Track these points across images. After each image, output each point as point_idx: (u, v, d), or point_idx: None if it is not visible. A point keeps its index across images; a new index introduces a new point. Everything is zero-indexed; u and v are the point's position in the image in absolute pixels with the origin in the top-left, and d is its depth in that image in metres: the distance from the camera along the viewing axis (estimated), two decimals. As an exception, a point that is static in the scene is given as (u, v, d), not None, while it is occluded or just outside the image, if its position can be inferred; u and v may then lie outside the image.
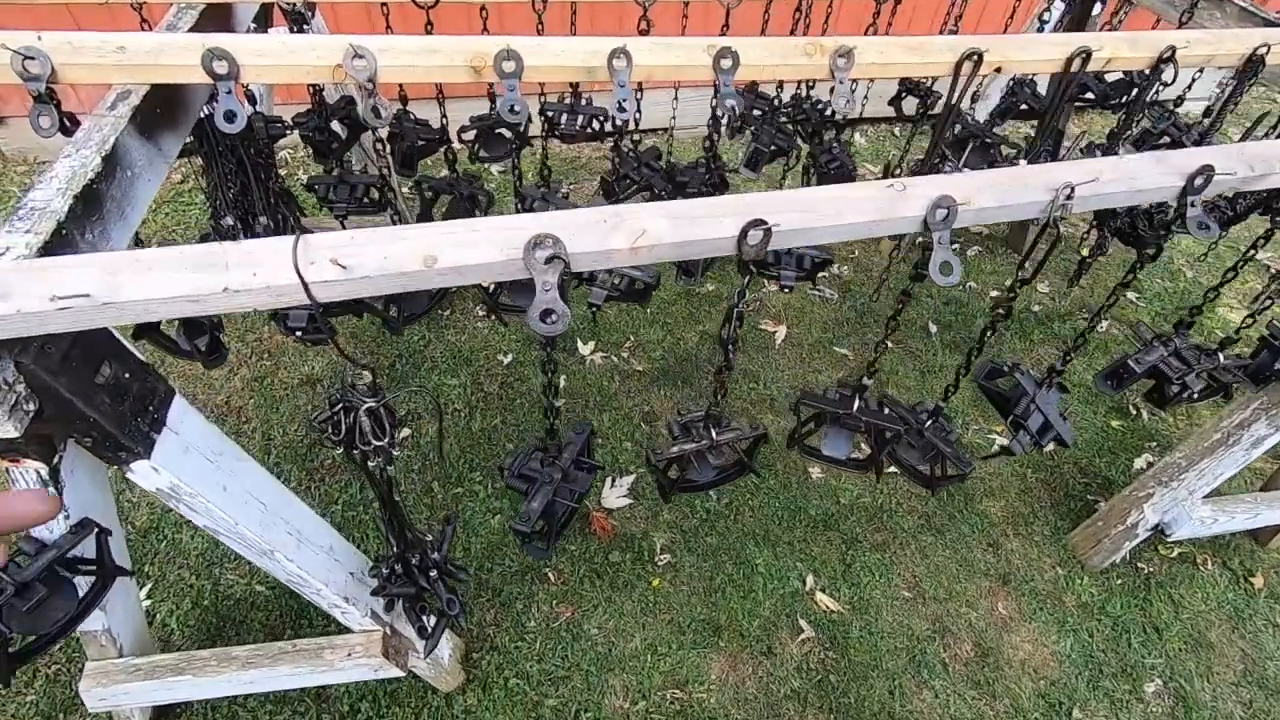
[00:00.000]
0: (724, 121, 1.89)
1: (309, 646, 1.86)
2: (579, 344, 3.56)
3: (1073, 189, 1.39)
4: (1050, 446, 2.02)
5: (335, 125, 2.61)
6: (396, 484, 2.89)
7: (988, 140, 2.81)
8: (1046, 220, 1.42)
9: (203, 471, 1.36)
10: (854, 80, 1.84)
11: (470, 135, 2.49)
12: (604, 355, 3.54)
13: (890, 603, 2.75)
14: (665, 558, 2.79)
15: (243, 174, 2.12)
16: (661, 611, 2.65)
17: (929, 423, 1.88)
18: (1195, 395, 2.05)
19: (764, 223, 1.22)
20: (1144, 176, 1.48)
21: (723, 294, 3.94)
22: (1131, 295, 4.30)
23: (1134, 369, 1.98)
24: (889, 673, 2.56)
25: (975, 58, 1.85)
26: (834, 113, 2.77)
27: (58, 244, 1.15)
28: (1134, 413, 3.58)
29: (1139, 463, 3.35)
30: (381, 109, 1.62)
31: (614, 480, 3.00)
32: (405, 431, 3.08)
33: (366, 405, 1.26)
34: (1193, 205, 1.55)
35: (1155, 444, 3.45)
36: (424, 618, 1.88)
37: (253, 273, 1.02)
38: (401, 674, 1.97)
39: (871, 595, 2.76)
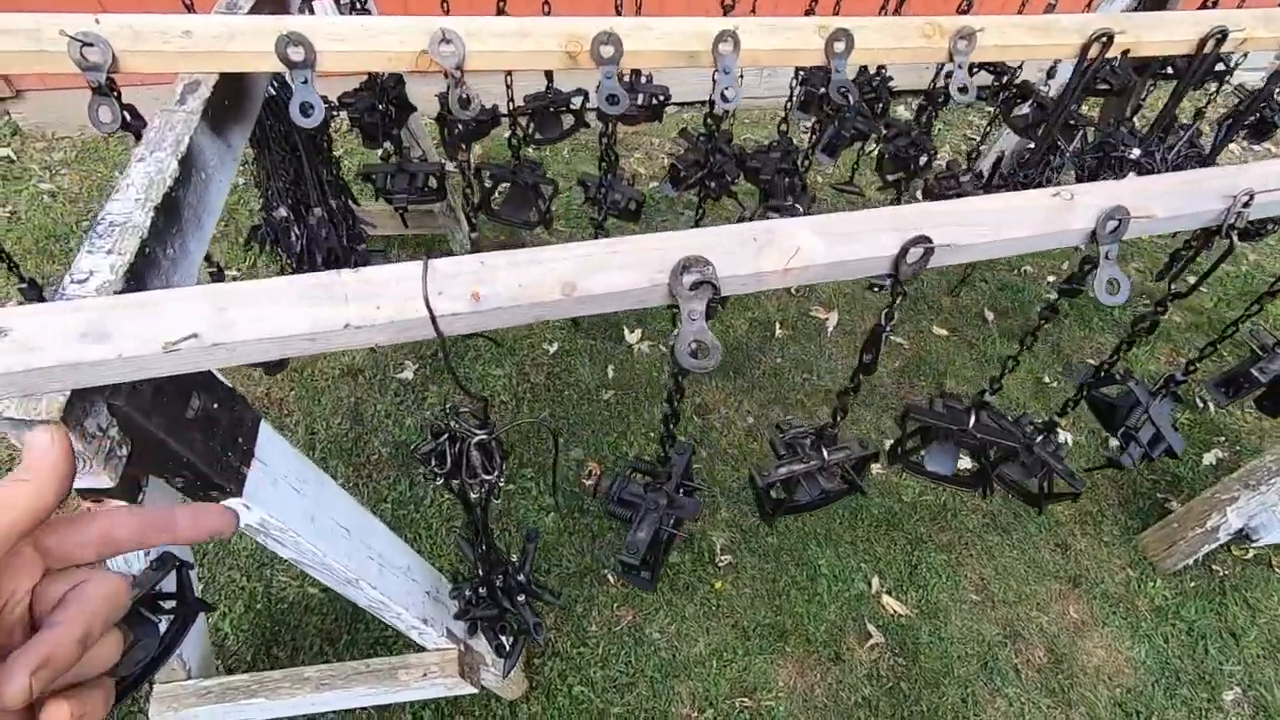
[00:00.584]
0: (843, 105, 1.72)
1: (383, 667, 1.78)
2: (625, 331, 3.44)
3: (1252, 196, 1.25)
4: (1158, 458, 1.91)
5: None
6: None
7: (1071, 123, 2.64)
8: (1220, 231, 1.28)
9: (290, 503, 1.26)
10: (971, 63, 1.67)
11: (524, 117, 2.34)
12: (651, 343, 3.41)
13: (958, 606, 2.67)
14: (726, 558, 2.71)
15: (296, 162, 1.98)
16: (725, 615, 2.57)
17: (1040, 438, 1.77)
18: (1314, 405, 1.93)
19: (927, 240, 1.09)
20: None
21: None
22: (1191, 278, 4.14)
23: (1258, 379, 1.85)
24: (961, 680, 2.48)
25: (1105, 39, 1.68)
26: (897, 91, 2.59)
27: (142, 264, 1.03)
28: (1200, 405, 3.45)
29: (1208, 459, 3.23)
30: (470, 98, 1.48)
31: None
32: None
33: (478, 438, 1.15)
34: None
35: (1224, 439, 3.33)
36: (502, 636, 1.79)
37: (376, 305, 0.90)
38: (474, 690, 1.90)
39: (939, 598, 2.68)
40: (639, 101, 2.48)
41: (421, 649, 1.81)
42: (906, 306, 3.73)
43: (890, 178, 2.71)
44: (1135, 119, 2.75)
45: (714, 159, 2.33)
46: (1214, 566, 2.85)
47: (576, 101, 2.52)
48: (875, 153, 2.68)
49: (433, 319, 0.92)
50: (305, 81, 1.34)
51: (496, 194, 2.38)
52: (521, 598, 1.62)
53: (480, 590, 1.62)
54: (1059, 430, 3.16)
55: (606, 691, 2.35)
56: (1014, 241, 1.15)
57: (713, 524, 2.80)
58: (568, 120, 2.59)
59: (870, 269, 1.11)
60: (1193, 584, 2.80)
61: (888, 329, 1.27)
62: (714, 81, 1.57)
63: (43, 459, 0.47)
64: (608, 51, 1.46)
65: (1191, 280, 2.25)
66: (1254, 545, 2.66)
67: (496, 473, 1.19)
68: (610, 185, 2.28)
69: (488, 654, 1.90)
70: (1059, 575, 2.79)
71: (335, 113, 2.35)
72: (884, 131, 2.66)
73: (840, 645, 2.53)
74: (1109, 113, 3.61)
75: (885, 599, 2.65)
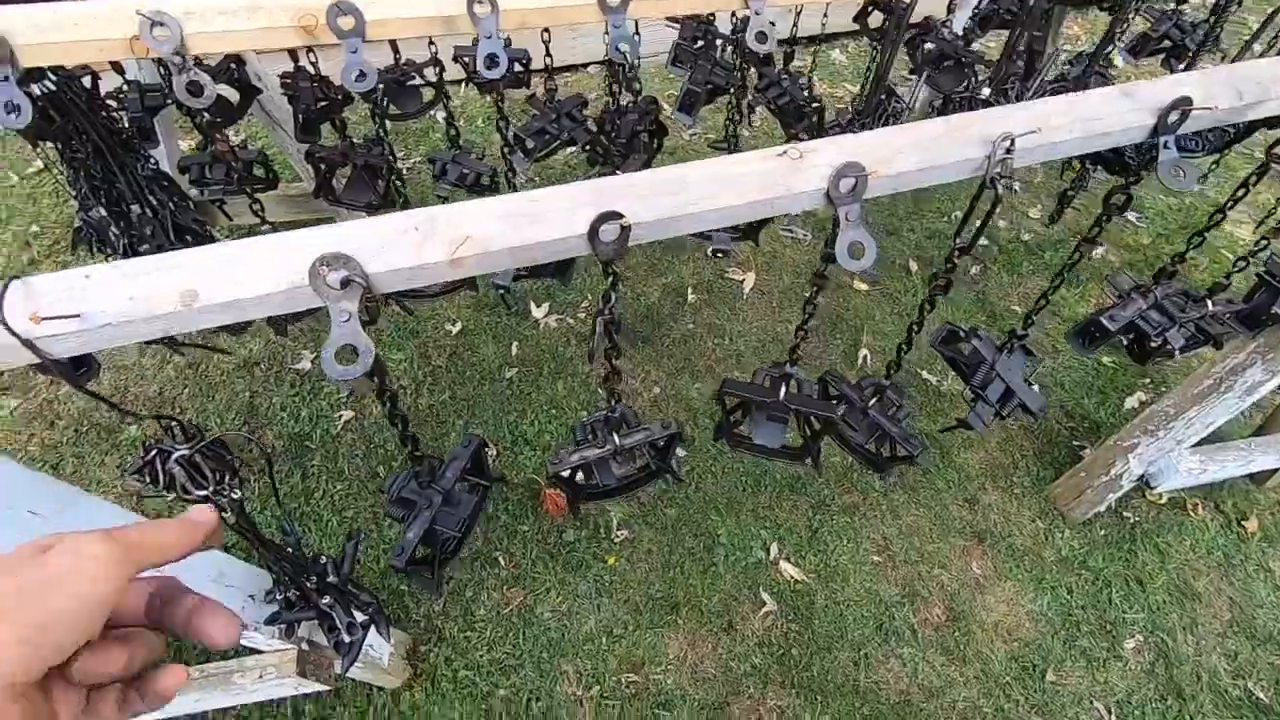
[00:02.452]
0: (624, 67, 1.62)
1: (217, 672, 1.77)
2: (532, 306, 3.36)
3: (1013, 141, 1.14)
4: (1010, 415, 1.83)
5: (222, 89, 2.34)
6: (341, 471, 2.77)
7: (962, 59, 2.49)
8: (984, 180, 1.18)
9: (14, 529, 1.21)
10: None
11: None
12: (559, 317, 3.34)
13: (858, 568, 2.63)
14: (623, 534, 2.68)
15: (102, 160, 1.89)
16: (618, 591, 2.55)
17: (874, 401, 1.69)
18: (1177, 350, 1.83)
19: (619, 215, 1.00)
20: (1107, 118, 1.23)
21: (685, 241, 3.68)
22: (1131, 215, 3.99)
23: (1107, 327, 1.76)
24: (854, 642, 2.46)
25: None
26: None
27: None
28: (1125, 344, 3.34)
29: (1130, 402, 3.15)
30: (204, 85, 1.38)
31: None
32: (348, 414, 2.93)
33: (178, 453, 1.09)
34: (1166, 147, 1.29)
35: (1149, 380, 3.24)
36: (340, 633, 1.77)
37: (-51, 333, 0.83)
38: (326, 688, 1.88)
39: (839, 561, 2.64)
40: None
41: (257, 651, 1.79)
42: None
43: (796, 130, 2.58)
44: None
45: (563, 124, 2.21)
46: (1125, 513, 2.79)
47: (430, 73, 2.40)
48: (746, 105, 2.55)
49: (29, 343, 0.85)
50: (5, 79, 1.25)
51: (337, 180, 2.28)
52: (330, 598, 1.59)
53: (290, 594, 1.59)
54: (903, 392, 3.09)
55: (492, 674, 2.35)
56: (731, 211, 1.06)
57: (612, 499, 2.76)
58: (428, 96, 2.47)
59: (564, 250, 1.02)
60: (1103, 533, 2.75)
61: (606, 310, 1.18)
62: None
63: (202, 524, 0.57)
64: (347, 23, 1.36)
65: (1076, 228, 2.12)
66: (1151, 492, 2.60)
67: (212, 487, 1.13)
68: (455, 160, 2.18)
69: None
70: (965, 531, 2.74)
71: (167, 101, 2.25)
72: (758, 83, 2.52)
73: (733, 615, 2.50)
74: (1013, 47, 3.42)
75: (783, 565, 2.62)
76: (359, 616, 1.70)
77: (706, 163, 1.08)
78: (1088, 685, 2.40)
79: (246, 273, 0.90)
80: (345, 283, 0.92)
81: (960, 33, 2.64)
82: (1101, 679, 2.42)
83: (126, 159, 1.94)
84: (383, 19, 1.38)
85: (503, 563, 2.59)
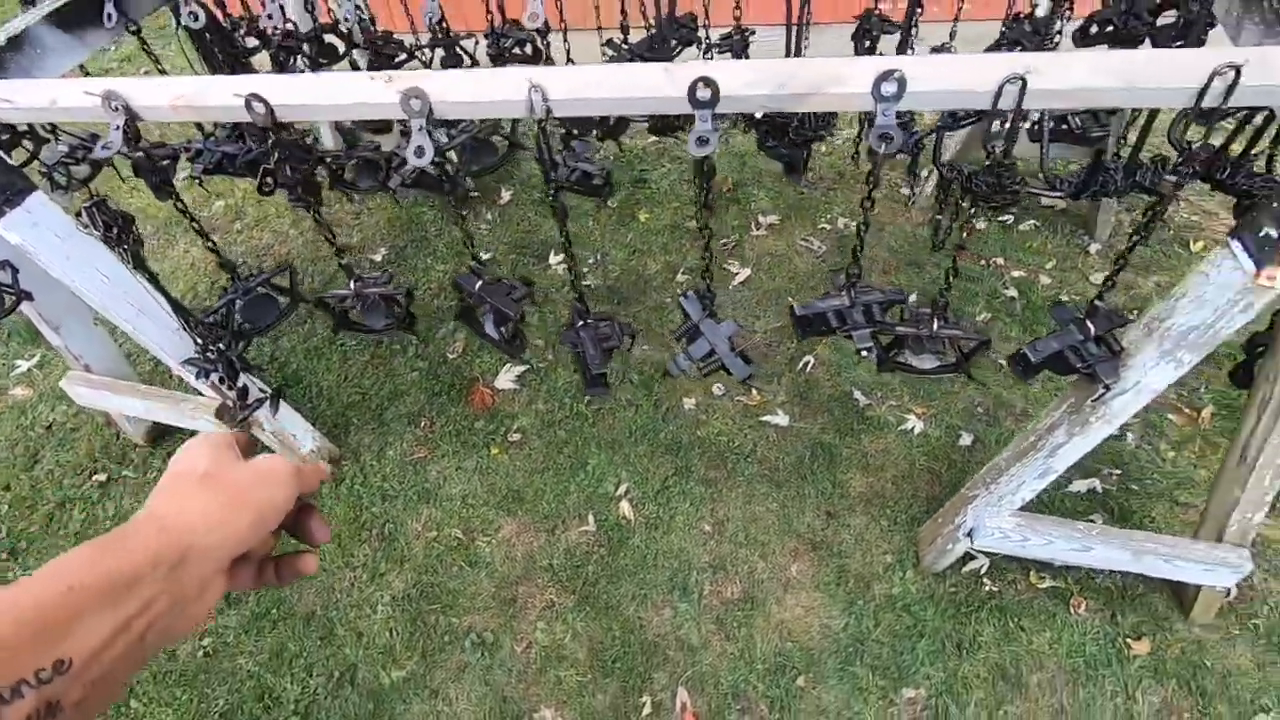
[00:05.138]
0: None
1: (171, 397, 2.73)
2: (551, 254, 3.98)
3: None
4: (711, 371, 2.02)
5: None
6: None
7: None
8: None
9: (46, 240, 2.17)
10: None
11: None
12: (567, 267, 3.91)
13: (687, 530, 2.83)
14: (516, 436, 3.20)
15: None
16: (490, 474, 3.09)
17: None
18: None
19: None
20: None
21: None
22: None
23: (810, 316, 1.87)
24: (643, 582, 2.70)
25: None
26: None
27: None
28: (1118, 434, 2.93)
29: (1079, 486, 2.81)
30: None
31: (509, 367, 3.45)
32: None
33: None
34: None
35: (1119, 473, 2.84)
36: (238, 390, 2.60)
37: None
38: (233, 430, 2.75)
39: (673, 519, 2.87)
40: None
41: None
42: (828, 278, 3.68)
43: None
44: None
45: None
46: (985, 579, 2.57)
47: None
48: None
49: None
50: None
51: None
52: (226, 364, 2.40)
53: (208, 352, 2.44)
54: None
55: (374, 497, 3.06)
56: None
57: (526, 411, 3.29)
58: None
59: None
60: (951, 589, 2.58)
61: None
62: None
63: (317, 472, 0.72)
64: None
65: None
66: (974, 549, 2.39)
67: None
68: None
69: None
70: (804, 537, 2.77)
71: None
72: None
73: (559, 523, 2.90)
74: None
75: (623, 503, 2.93)
76: (255, 392, 2.51)
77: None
78: (835, 707, 2.37)
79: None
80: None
81: None
82: (855, 707, 2.36)
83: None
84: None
85: (424, 425, 3.28)
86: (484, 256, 4.00)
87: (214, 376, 2.53)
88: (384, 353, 3.60)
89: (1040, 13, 2.68)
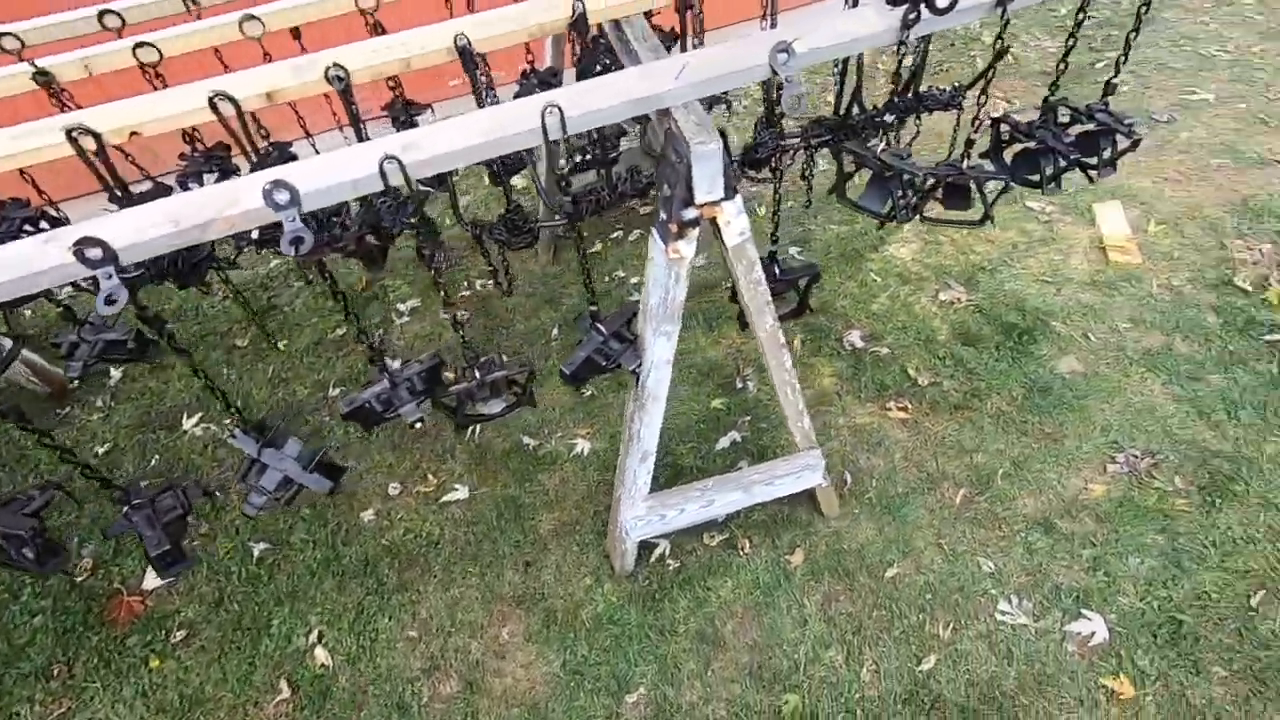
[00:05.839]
0: None
1: None
2: (183, 417, 3.60)
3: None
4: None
5: None
6: None
7: None
8: None
9: None
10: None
11: None
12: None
13: (392, 646, 2.70)
14: (180, 634, 2.81)
15: None
16: (157, 691, 2.66)
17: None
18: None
19: None
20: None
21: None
22: (794, 249, 4.06)
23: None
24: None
25: None
26: None
27: None
28: (740, 386, 3.39)
29: (723, 443, 3.18)
30: None
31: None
32: None
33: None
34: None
35: (750, 418, 3.26)
36: None
37: None
38: None
39: (374, 642, 2.71)
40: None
41: None
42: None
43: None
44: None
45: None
46: (669, 560, 2.80)
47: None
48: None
49: None
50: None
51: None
52: None
53: None
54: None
55: None
56: None
57: (189, 599, 2.90)
58: None
59: None
60: (645, 583, 2.76)
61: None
62: None
63: None
64: None
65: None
66: (635, 540, 2.61)
67: None
68: None
69: None
70: (508, 597, 2.78)
71: None
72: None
73: (249, 707, 2.59)
74: None
75: (316, 651, 2.70)
76: None
77: None
78: (574, 747, 2.39)
79: None
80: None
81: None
82: (591, 738, 2.41)
83: None
84: None
85: (57, 674, 2.74)
86: (100, 450, 3.50)
87: None
88: (-12, 610, 2.96)
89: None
